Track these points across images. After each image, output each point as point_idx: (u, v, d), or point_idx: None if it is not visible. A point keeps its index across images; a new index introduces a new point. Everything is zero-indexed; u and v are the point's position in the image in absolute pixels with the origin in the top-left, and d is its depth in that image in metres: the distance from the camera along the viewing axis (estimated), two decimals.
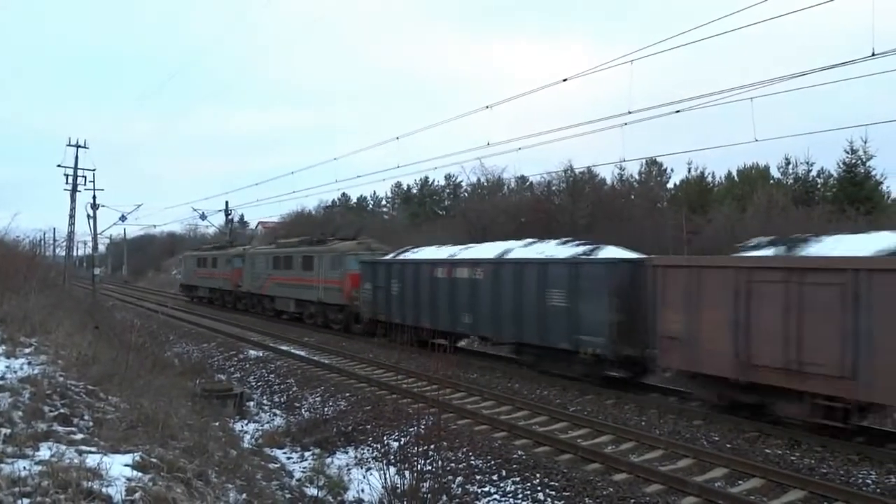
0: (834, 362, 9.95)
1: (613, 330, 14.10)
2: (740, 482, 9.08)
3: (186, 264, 47.46)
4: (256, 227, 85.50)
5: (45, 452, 5.65)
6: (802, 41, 72.93)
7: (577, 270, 15.22)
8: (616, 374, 14.97)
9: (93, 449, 6.04)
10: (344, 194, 70.47)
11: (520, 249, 18.14)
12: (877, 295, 9.56)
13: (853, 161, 35.10)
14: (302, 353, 20.93)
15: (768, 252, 12.08)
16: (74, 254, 63.40)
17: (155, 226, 70.20)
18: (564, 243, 17.50)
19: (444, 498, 8.80)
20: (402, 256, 22.89)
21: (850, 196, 33.36)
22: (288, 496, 8.99)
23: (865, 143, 34.43)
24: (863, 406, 10.28)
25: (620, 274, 14.42)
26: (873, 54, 11.18)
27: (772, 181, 39.85)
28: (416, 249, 23.28)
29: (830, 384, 10.03)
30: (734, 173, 44.20)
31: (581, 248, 16.53)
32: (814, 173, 38.66)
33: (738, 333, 11.30)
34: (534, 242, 18.66)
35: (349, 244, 26.82)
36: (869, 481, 8.92)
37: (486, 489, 9.28)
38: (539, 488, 9.06)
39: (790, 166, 39.61)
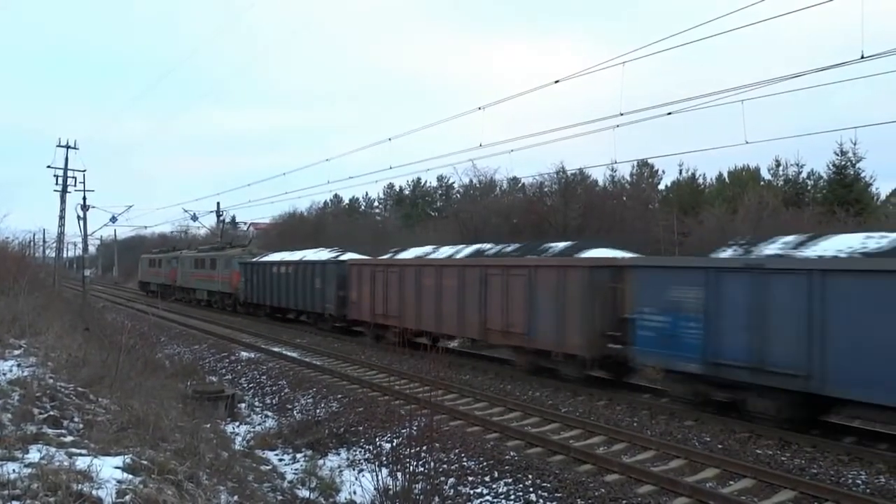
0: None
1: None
2: (731, 482, 9.11)
3: (142, 265, 58.13)
4: (248, 228, 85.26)
5: (34, 455, 5.62)
6: (793, 44, 73.41)
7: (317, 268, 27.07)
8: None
9: (83, 451, 6.01)
10: (336, 195, 70.46)
11: (311, 254, 29.55)
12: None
13: (843, 163, 35.34)
14: (294, 355, 20.89)
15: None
16: (65, 255, 63.23)
17: (146, 227, 69.92)
18: (332, 250, 29.39)
19: (437, 499, 8.79)
20: (264, 259, 32.86)
21: (840, 198, 33.56)
22: (280, 498, 8.97)
23: (855, 145, 34.68)
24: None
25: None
26: (862, 57, 11.27)
27: (762, 183, 40.06)
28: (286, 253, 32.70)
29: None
30: (725, 175, 44.43)
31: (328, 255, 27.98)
32: (804, 175, 38.94)
33: None
34: (322, 250, 29.94)
35: (236, 250, 37.56)
36: (859, 481, 8.97)
37: (479, 490, 9.28)
38: (531, 489, 9.07)
39: (780, 168, 39.88)
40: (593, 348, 14.39)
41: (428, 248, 23.85)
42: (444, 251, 22.10)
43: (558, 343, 15.14)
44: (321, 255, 28.66)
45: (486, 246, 20.79)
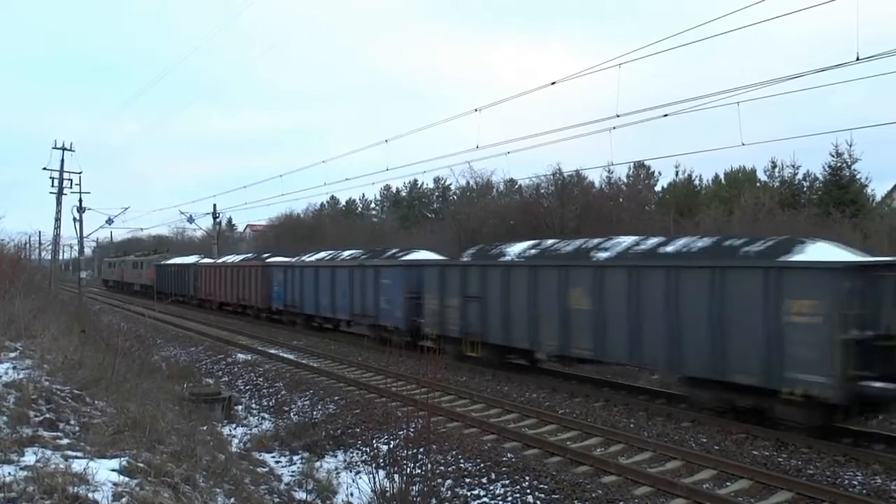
0: None
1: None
2: (728, 484, 9.12)
3: (104, 266, 74.45)
4: (245, 229, 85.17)
5: (30, 458, 5.60)
6: (790, 46, 73.60)
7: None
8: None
9: (79, 454, 5.99)
10: (333, 197, 70.47)
11: (205, 259, 42.40)
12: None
13: (838, 164, 35.44)
14: (291, 357, 20.87)
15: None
16: (60, 257, 63.35)
17: (142, 229, 69.97)
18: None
19: (434, 501, 8.78)
20: (168, 262, 48.66)
21: (836, 199, 33.66)
22: (277, 500, 8.94)
23: (851, 146, 34.80)
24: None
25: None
26: (858, 59, 11.31)
27: (759, 184, 40.14)
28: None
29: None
30: (721, 176, 44.56)
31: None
32: (800, 176, 39.04)
33: None
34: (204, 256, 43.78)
35: (155, 256, 54.10)
36: (855, 482, 8.99)
37: (476, 492, 9.27)
38: (528, 491, 9.07)
39: (777, 169, 39.99)
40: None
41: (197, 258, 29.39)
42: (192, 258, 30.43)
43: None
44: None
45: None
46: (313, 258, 28.73)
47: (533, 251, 17.19)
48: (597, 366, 15.63)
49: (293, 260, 30.06)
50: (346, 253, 26.87)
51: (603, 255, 14.73)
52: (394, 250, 24.55)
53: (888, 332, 10.08)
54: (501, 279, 16.73)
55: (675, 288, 12.39)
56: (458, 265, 18.99)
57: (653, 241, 14.37)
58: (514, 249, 17.67)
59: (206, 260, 42.95)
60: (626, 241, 14.91)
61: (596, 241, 15.64)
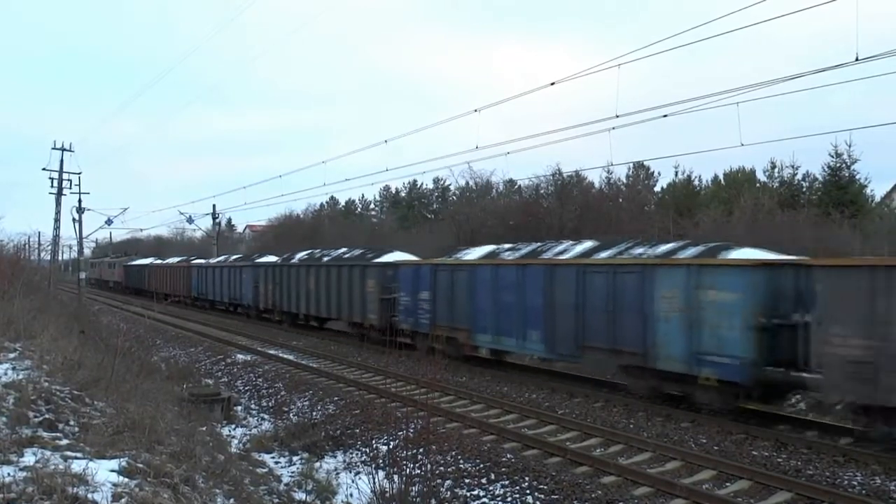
0: None
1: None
2: (728, 484, 9.13)
3: (88, 266, 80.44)
4: (244, 230, 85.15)
5: (29, 458, 5.60)
6: (789, 47, 73.66)
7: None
8: None
9: (78, 454, 5.99)
10: (332, 198, 70.42)
11: (174, 258, 52.21)
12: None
13: (838, 165, 35.43)
14: (290, 357, 20.87)
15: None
16: (60, 258, 63.45)
17: (142, 229, 69.83)
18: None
19: (433, 502, 8.78)
20: (133, 262, 59.68)
21: (835, 199, 33.66)
22: (276, 501, 8.95)
23: (850, 146, 34.78)
24: None
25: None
26: (857, 59, 11.31)
27: (758, 185, 40.13)
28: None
29: None
30: (721, 177, 44.51)
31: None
32: (799, 177, 39.01)
33: None
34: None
35: (125, 258, 65.21)
36: (854, 483, 8.99)
37: (476, 493, 9.27)
38: (528, 491, 9.07)
39: (776, 170, 39.94)
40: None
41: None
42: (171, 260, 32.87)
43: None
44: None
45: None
46: (252, 260, 36.39)
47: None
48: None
49: (208, 261, 42.46)
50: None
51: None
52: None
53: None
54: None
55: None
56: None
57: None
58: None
59: (157, 262, 55.46)
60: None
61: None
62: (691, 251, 13.48)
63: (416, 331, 19.98)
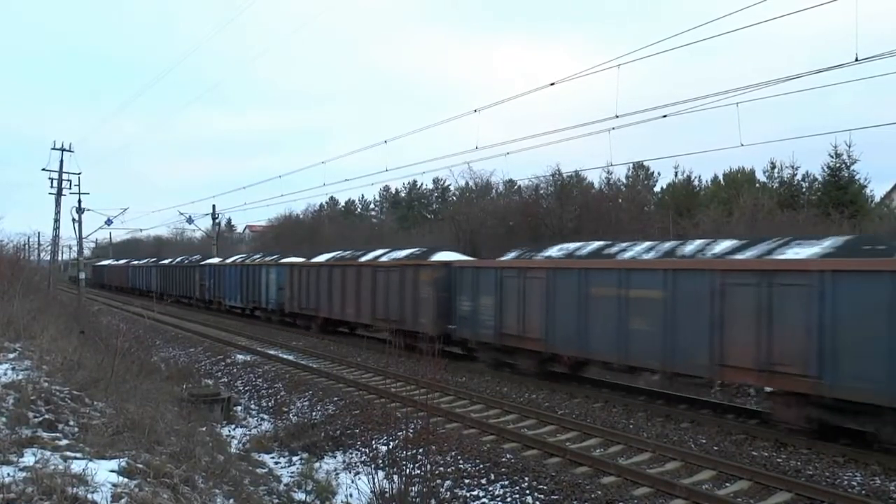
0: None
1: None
2: (727, 484, 9.13)
3: (70, 266, 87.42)
4: (244, 230, 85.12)
5: (29, 458, 5.60)
6: (789, 47, 73.66)
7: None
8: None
9: (78, 455, 5.98)
10: (332, 198, 70.42)
11: (110, 261, 75.42)
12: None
13: (837, 165, 35.40)
14: (290, 358, 20.86)
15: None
16: (59, 258, 63.34)
17: (141, 230, 69.85)
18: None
19: (433, 502, 8.78)
20: (100, 263, 76.91)
21: (835, 200, 33.62)
22: (276, 501, 8.95)
23: (850, 147, 34.75)
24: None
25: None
26: (857, 59, 11.31)
27: (757, 185, 40.10)
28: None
29: None
30: (720, 177, 44.49)
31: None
32: (799, 177, 38.98)
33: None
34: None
35: (95, 259, 77.29)
36: (854, 483, 8.99)
37: (475, 493, 9.27)
38: (528, 492, 9.07)
39: (776, 170, 39.92)
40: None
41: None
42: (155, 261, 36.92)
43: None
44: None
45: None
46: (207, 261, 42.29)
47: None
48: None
49: (145, 262, 54.23)
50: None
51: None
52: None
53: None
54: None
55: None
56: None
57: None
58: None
59: (111, 262, 68.85)
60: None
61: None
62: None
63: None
